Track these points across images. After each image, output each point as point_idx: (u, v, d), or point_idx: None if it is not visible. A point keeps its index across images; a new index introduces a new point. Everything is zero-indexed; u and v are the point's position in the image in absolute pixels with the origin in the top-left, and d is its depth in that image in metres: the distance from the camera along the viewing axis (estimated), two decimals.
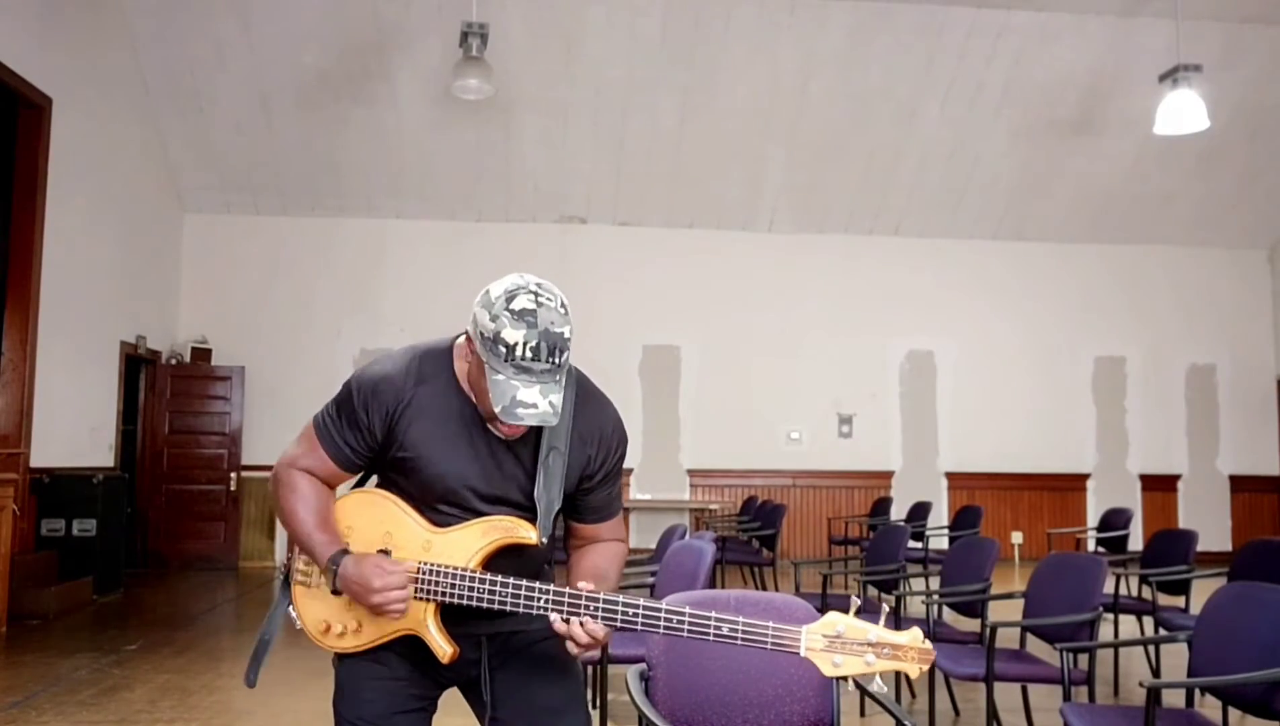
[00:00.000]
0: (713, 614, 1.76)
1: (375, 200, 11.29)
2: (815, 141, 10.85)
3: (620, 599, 1.78)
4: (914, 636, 1.75)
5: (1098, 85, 10.35)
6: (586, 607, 1.77)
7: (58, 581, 7.62)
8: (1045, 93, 10.43)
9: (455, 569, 1.85)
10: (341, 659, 1.99)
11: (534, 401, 1.72)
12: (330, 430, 1.93)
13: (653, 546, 6.07)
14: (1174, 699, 3.79)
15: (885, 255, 11.90)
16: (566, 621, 1.78)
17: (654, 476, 11.41)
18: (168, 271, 10.93)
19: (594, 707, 4.49)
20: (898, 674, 1.77)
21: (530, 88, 10.09)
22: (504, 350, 1.71)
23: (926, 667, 1.75)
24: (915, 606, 5.27)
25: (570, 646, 1.80)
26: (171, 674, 5.61)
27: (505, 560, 1.89)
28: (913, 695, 5.00)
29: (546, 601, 1.80)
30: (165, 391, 10.55)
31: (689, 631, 1.76)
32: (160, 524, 10.42)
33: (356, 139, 10.56)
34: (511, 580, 1.83)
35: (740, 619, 1.75)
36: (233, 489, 10.55)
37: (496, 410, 1.73)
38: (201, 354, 10.84)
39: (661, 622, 1.76)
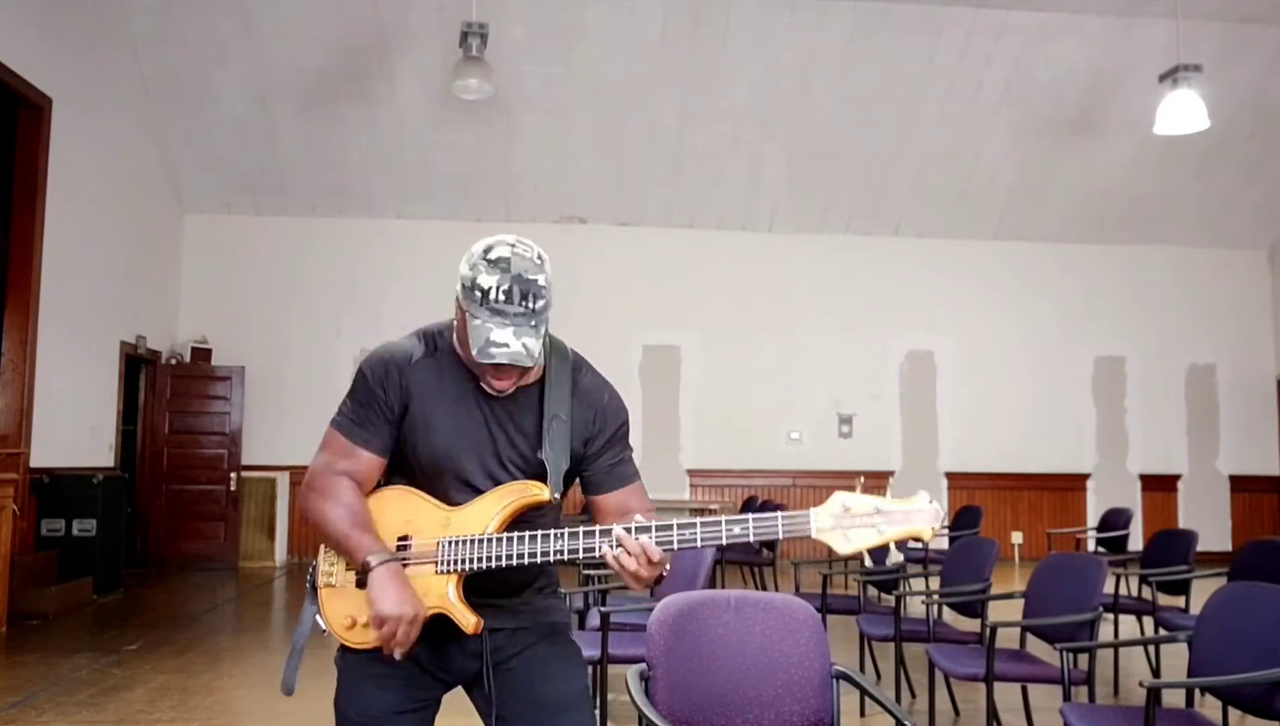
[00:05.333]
0: (722, 518, 1.80)
1: (375, 200, 11.29)
2: (815, 141, 10.85)
3: (627, 526, 1.81)
4: (920, 499, 1.78)
5: (1098, 85, 10.35)
6: (601, 540, 1.82)
7: (58, 581, 7.62)
8: (1045, 93, 10.43)
9: (475, 537, 1.88)
10: (345, 656, 1.99)
11: (505, 341, 1.79)
12: (354, 423, 1.96)
13: None
14: (1174, 699, 3.79)
15: (885, 255, 11.90)
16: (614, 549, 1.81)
17: (654, 476, 11.34)
18: (168, 271, 10.93)
19: (594, 708, 4.48)
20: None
21: (530, 88, 10.09)
22: (479, 295, 1.79)
23: (938, 526, 1.76)
24: (915, 606, 5.26)
25: (626, 565, 1.79)
26: (171, 674, 5.61)
27: (516, 530, 1.91)
28: (913, 695, 5.00)
29: (563, 547, 1.85)
30: (165, 391, 10.55)
31: (702, 541, 1.81)
32: (160, 524, 10.41)
33: (356, 139, 10.56)
34: (528, 533, 1.86)
35: (750, 516, 1.79)
36: (232, 489, 10.55)
37: (474, 353, 1.80)
38: (201, 354, 10.84)
39: (675, 540, 1.81)
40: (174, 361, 10.70)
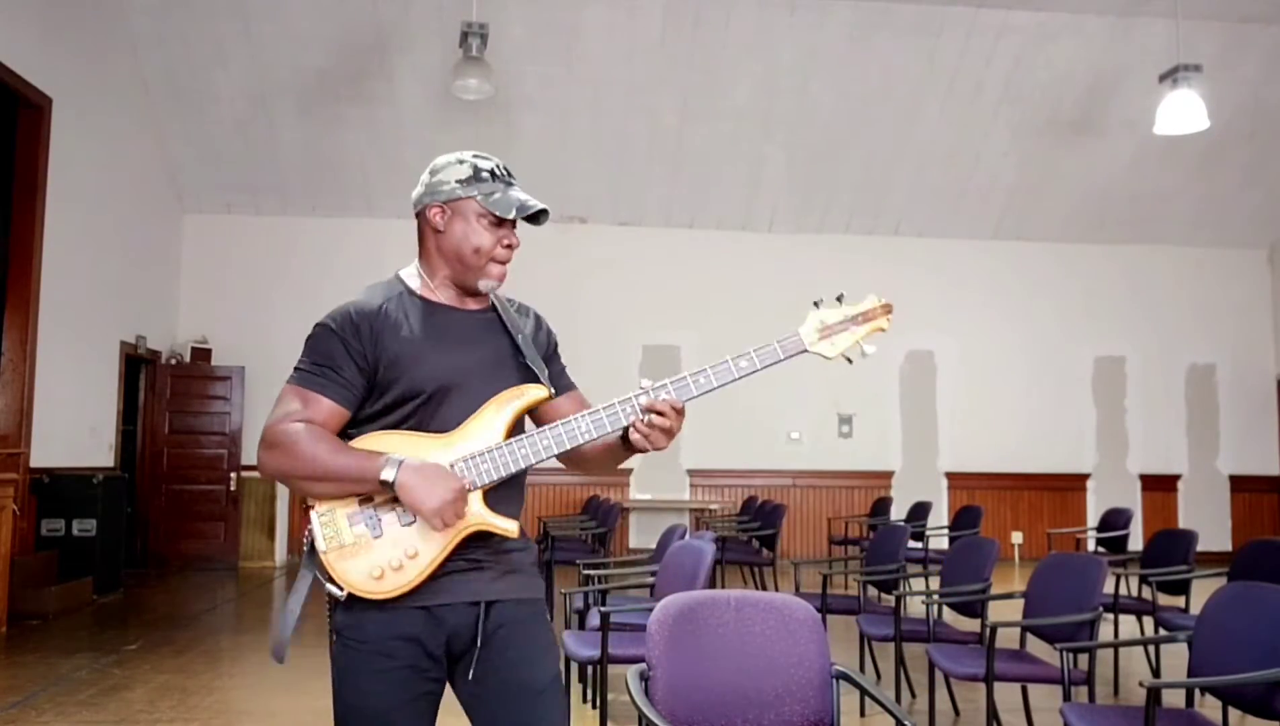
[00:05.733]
0: (728, 357, 1.98)
1: (375, 200, 11.29)
2: (815, 141, 10.85)
3: (644, 390, 1.96)
4: (872, 299, 2.12)
5: (1098, 85, 10.35)
6: (623, 409, 1.96)
7: (58, 581, 7.62)
8: (1045, 92, 10.44)
9: (487, 450, 1.94)
10: (344, 649, 1.95)
11: (528, 196, 2.05)
12: (321, 377, 1.96)
13: (653, 546, 6.07)
14: (1174, 699, 3.79)
15: (885, 255, 11.89)
16: (644, 421, 1.96)
17: (654, 476, 11.40)
18: (168, 271, 10.94)
19: (594, 708, 4.49)
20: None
21: (530, 88, 10.09)
22: (489, 174, 2.05)
23: (892, 316, 2.12)
24: (915, 606, 5.27)
25: (661, 425, 1.94)
26: (171, 674, 5.61)
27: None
28: (913, 695, 5.00)
29: (587, 426, 1.96)
30: (165, 391, 10.55)
31: (716, 382, 1.99)
32: (160, 524, 10.41)
33: (356, 139, 10.56)
34: (546, 428, 1.97)
35: (751, 349, 2.00)
36: (232, 489, 10.55)
37: (510, 215, 2.02)
38: (201, 354, 10.84)
39: (691, 386, 1.98)
40: (174, 361, 10.70)
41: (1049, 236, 12.04)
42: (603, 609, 4.22)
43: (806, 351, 2.05)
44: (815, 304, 2.10)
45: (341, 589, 1.91)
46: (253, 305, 11.16)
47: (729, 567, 8.43)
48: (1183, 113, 8.27)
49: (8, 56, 7.48)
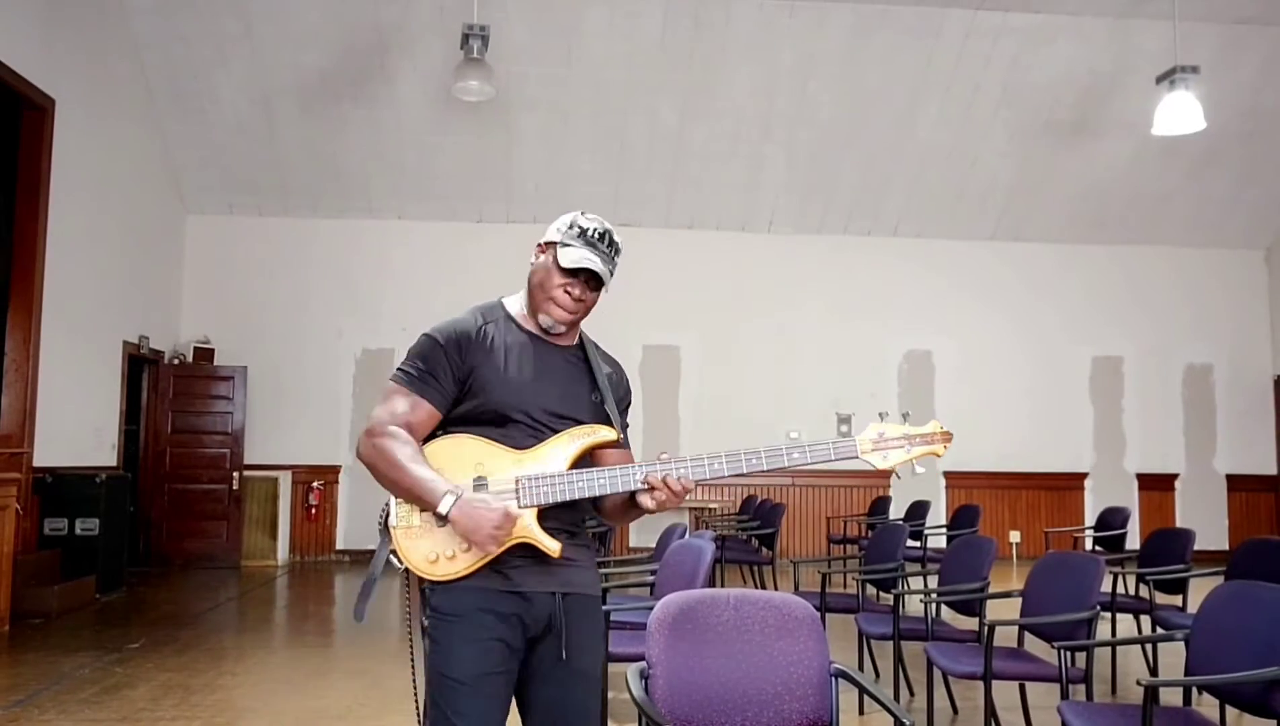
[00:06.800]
0: (783, 446, 2.14)
1: (376, 201, 11.32)
2: (814, 141, 10.88)
3: (705, 456, 2.19)
4: (935, 425, 2.20)
5: (1095, 86, 10.38)
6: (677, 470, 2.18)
7: (60, 580, 7.64)
8: (1043, 93, 10.46)
9: (551, 474, 2.16)
10: (438, 624, 2.16)
11: (595, 258, 2.23)
12: (423, 380, 2.21)
13: (653, 545, 6.10)
14: (1171, 697, 3.82)
15: (884, 255, 11.93)
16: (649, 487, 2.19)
17: None
18: (170, 272, 10.96)
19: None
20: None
21: (530, 89, 10.12)
22: (579, 231, 2.25)
23: (949, 445, 2.20)
24: (914, 605, 5.30)
25: (652, 501, 2.17)
26: (174, 672, 5.64)
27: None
28: (911, 693, 5.03)
29: (644, 477, 2.16)
30: (168, 391, 10.58)
31: (766, 465, 2.15)
32: (163, 523, 10.44)
33: (358, 140, 10.59)
34: (606, 468, 2.18)
35: (805, 443, 2.16)
36: (235, 488, 10.57)
37: (565, 264, 2.22)
38: (204, 354, 10.87)
39: (743, 462, 2.16)
40: (176, 361, 10.73)
41: (1047, 237, 12.07)
42: (603, 607, 4.25)
43: (858, 457, 2.19)
44: (880, 415, 2.24)
45: (401, 563, 2.15)
46: (255, 305, 11.19)
47: (728, 566, 8.46)
48: (1180, 114, 8.30)
49: (11, 58, 7.51)
